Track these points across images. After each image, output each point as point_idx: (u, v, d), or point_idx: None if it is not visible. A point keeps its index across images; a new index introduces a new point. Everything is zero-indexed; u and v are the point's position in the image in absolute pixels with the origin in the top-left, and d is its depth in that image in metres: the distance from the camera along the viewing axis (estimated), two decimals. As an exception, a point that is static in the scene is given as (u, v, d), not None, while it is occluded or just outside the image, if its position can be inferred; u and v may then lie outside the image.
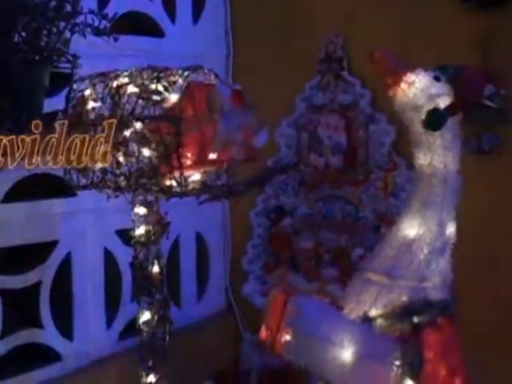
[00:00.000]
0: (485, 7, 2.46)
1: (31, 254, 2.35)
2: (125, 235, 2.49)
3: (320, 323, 1.82)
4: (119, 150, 1.74)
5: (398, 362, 1.76)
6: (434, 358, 1.79)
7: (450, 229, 1.88)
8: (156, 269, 1.93)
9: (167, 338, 1.93)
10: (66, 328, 2.45)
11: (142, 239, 1.91)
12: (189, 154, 1.67)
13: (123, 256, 2.60)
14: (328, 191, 2.96)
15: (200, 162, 1.69)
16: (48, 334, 2.39)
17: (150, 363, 1.92)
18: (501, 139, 2.55)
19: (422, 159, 1.86)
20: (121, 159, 1.76)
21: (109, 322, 2.61)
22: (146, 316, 1.92)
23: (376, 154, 2.83)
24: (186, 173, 1.71)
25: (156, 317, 1.91)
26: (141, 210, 1.91)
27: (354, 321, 1.85)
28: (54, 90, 2.08)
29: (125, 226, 2.28)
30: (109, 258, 2.61)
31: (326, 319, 1.84)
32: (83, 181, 1.86)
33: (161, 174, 1.69)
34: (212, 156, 1.70)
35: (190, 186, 1.74)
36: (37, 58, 1.63)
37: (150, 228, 1.91)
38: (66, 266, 2.44)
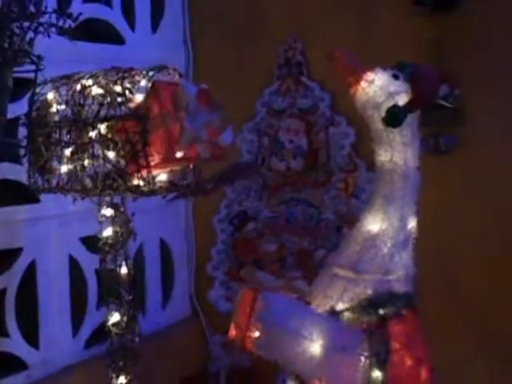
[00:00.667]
0: (438, 10, 2.53)
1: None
2: (89, 242, 2.48)
3: (289, 318, 1.84)
4: (84, 152, 1.74)
5: (365, 353, 1.80)
6: (400, 349, 1.84)
7: (412, 223, 1.94)
8: (124, 270, 1.93)
9: (137, 339, 1.92)
10: (31, 336, 2.41)
11: (110, 241, 1.91)
12: (155, 153, 1.68)
13: (88, 263, 2.59)
14: (290, 194, 2.99)
15: (167, 160, 1.70)
16: (14, 343, 2.35)
17: (121, 364, 1.91)
18: (458, 140, 2.62)
19: (383, 156, 1.91)
20: (86, 162, 1.75)
21: (75, 330, 2.59)
22: (115, 318, 1.91)
23: (337, 156, 2.88)
24: (153, 172, 1.71)
25: (125, 318, 1.91)
26: (108, 212, 1.91)
27: (322, 314, 1.88)
28: (17, 95, 2.07)
29: (89, 233, 2.27)
30: (74, 264, 2.58)
31: (294, 314, 1.86)
32: (48, 184, 1.85)
33: (128, 174, 1.69)
34: (179, 154, 1.71)
35: (158, 185, 1.75)
36: (0, 59, 1.61)
37: (118, 229, 1.91)
38: (30, 274, 2.41)
